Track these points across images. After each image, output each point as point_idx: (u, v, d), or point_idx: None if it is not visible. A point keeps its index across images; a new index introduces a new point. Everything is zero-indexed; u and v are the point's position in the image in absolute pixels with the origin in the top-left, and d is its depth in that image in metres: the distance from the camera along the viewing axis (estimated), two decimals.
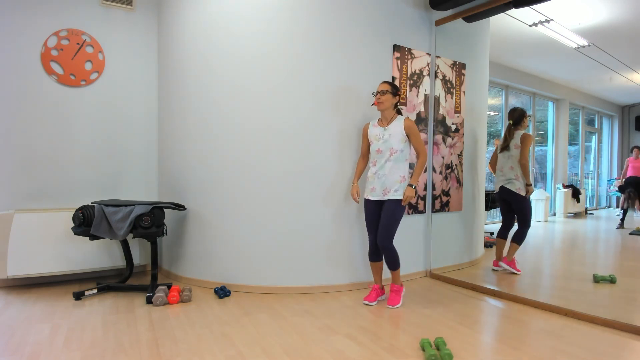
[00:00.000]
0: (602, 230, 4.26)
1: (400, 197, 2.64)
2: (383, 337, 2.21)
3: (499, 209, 3.64)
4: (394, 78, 3.26)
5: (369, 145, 2.82)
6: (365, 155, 2.88)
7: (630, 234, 3.87)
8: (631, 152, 3.74)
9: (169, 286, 2.97)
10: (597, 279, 3.24)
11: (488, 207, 4.35)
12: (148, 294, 2.75)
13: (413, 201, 3.41)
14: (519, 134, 3.41)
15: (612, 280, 3.20)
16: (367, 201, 2.78)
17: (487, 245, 4.38)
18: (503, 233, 3.56)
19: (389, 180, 2.66)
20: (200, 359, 1.93)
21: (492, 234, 4.69)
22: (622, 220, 3.88)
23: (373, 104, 2.76)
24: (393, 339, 2.18)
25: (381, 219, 2.67)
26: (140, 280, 3.35)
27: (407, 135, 2.67)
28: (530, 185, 3.37)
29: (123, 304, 2.73)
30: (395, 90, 2.71)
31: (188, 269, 3.26)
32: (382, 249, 2.67)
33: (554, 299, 2.85)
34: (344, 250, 3.09)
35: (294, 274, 3.01)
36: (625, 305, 2.74)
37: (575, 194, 4.23)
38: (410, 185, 2.64)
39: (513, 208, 3.47)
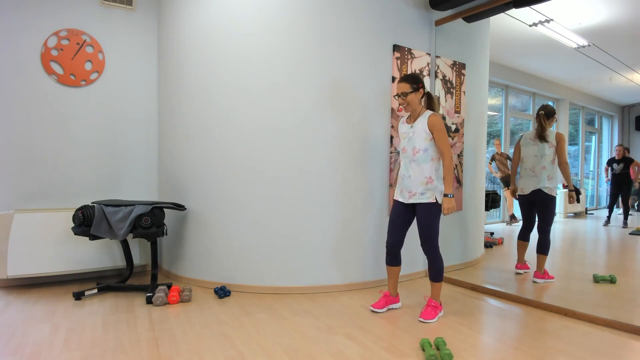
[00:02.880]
0: (602, 230, 4.26)
1: (429, 200, 2.45)
2: (383, 337, 2.21)
3: (520, 209, 3.42)
4: (393, 78, 3.26)
5: None
6: None
7: (630, 234, 3.86)
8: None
9: (169, 286, 2.97)
10: (597, 279, 3.24)
11: (488, 207, 4.34)
12: (148, 294, 2.75)
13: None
14: (551, 132, 3.24)
15: (612, 280, 3.20)
16: (395, 201, 2.63)
17: (487, 245, 4.37)
18: (525, 235, 3.39)
19: (414, 182, 2.48)
20: (200, 359, 1.93)
21: (492, 234, 4.68)
22: (609, 218, 3.87)
23: (399, 110, 2.60)
24: (393, 339, 2.18)
25: (419, 226, 2.50)
26: (140, 280, 3.35)
27: (431, 133, 2.45)
28: (573, 190, 3.19)
29: (123, 304, 2.73)
30: (416, 85, 2.47)
31: (188, 269, 3.26)
32: (425, 253, 2.51)
33: (554, 299, 2.85)
34: (344, 251, 3.09)
35: (294, 274, 3.01)
36: (625, 305, 2.74)
37: (576, 193, 4.23)
38: (445, 195, 2.42)
39: (538, 210, 3.29)
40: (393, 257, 2.63)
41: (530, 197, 3.32)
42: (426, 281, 3.37)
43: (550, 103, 3.44)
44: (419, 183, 2.48)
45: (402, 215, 2.58)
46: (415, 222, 2.71)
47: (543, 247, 3.26)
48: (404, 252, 3.34)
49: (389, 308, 2.67)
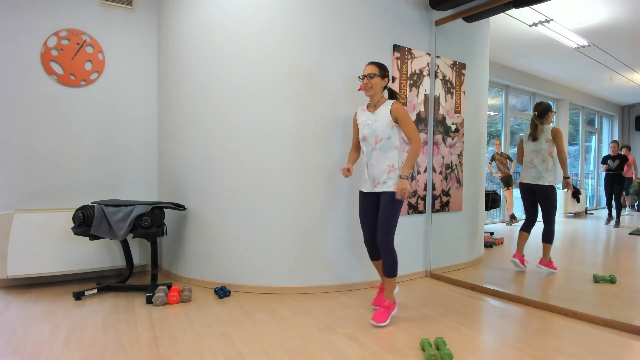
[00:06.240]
0: (602, 230, 4.26)
1: (392, 189, 2.38)
2: (383, 337, 2.21)
3: (522, 201, 3.58)
4: (394, 78, 3.26)
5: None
6: (356, 146, 2.65)
7: (630, 233, 3.87)
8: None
9: (169, 286, 2.97)
10: (597, 279, 3.24)
11: (488, 207, 4.35)
12: (148, 294, 2.75)
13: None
14: (547, 128, 3.37)
15: (612, 280, 3.20)
16: (360, 193, 2.59)
17: (487, 245, 4.37)
18: (527, 228, 3.52)
19: (377, 171, 2.44)
20: (200, 359, 1.93)
21: (492, 233, 4.69)
22: (612, 216, 3.91)
23: (359, 89, 2.54)
24: (393, 339, 2.18)
25: (379, 215, 2.44)
26: (140, 280, 3.35)
27: (395, 121, 2.41)
28: (568, 177, 3.34)
29: (123, 304, 2.73)
30: (383, 72, 2.46)
31: (188, 269, 3.26)
32: (380, 249, 2.42)
33: (554, 299, 2.85)
34: (344, 251, 3.09)
35: (294, 274, 3.01)
36: (625, 305, 2.75)
37: (575, 194, 4.24)
38: (400, 176, 2.37)
39: (539, 201, 3.43)
40: (374, 251, 2.60)
41: (528, 187, 3.50)
42: (427, 280, 3.37)
43: (550, 103, 3.47)
44: (382, 171, 2.43)
45: (369, 208, 2.54)
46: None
47: (547, 236, 3.41)
48: (402, 252, 3.34)
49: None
